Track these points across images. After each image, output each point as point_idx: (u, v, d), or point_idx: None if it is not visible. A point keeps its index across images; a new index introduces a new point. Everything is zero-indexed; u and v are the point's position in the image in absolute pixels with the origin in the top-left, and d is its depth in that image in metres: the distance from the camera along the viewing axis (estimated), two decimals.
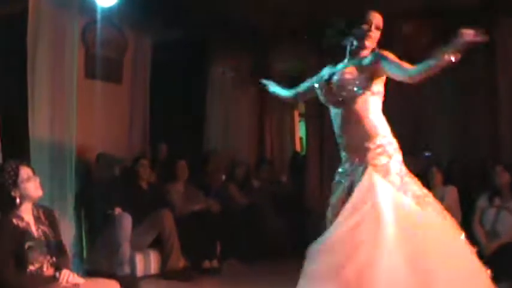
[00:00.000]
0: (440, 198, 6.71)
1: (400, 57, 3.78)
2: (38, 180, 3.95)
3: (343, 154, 4.02)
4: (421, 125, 8.38)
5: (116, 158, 7.01)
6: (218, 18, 7.79)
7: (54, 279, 3.69)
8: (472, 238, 6.33)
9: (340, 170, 4.04)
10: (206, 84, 9.03)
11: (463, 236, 3.78)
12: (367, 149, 3.83)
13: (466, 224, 6.58)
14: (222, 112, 9.14)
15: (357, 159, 3.89)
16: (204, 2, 7.42)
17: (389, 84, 3.97)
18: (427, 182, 6.92)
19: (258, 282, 6.29)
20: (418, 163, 7.98)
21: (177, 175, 7.38)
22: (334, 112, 4.03)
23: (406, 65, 3.70)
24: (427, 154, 8.41)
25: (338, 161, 4.07)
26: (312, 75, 4.31)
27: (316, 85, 4.13)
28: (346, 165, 3.98)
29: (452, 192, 6.83)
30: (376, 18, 3.96)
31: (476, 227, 6.44)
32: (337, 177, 4.04)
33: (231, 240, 7.33)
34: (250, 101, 9.46)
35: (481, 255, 6.08)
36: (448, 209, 6.68)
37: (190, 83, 8.33)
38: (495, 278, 5.93)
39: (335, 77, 3.99)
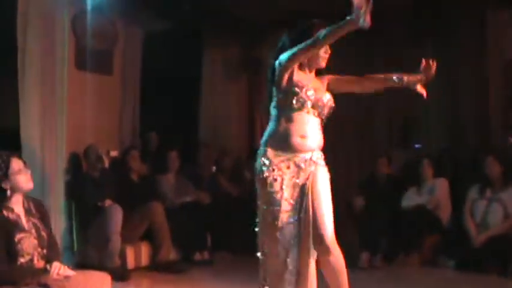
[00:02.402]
0: (431, 191, 6.78)
1: None
2: (29, 172, 3.94)
3: None
4: (411, 117, 8.35)
5: (105, 150, 7.01)
6: (209, 9, 7.74)
7: (45, 271, 3.67)
8: (462, 230, 6.41)
9: None
10: (197, 74, 8.99)
11: None
12: None
13: (457, 215, 6.62)
14: (214, 103, 9.10)
15: None
16: None
17: None
18: (417, 174, 6.95)
19: (249, 274, 6.26)
20: (409, 155, 8.01)
21: (168, 166, 7.35)
22: None
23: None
24: (417, 146, 8.42)
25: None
26: None
27: None
28: None
29: (443, 184, 6.81)
30: None
31: (467, 218, 6.40)
32: None
33: (222, 232, 7.32)
34: (242, 92, 9.43)
35: (471, 247, 6.20)
36: (439, 201, 6.79)
37: (181, 74, 8.29)
38: (485, 269, 5.99)
39: None
